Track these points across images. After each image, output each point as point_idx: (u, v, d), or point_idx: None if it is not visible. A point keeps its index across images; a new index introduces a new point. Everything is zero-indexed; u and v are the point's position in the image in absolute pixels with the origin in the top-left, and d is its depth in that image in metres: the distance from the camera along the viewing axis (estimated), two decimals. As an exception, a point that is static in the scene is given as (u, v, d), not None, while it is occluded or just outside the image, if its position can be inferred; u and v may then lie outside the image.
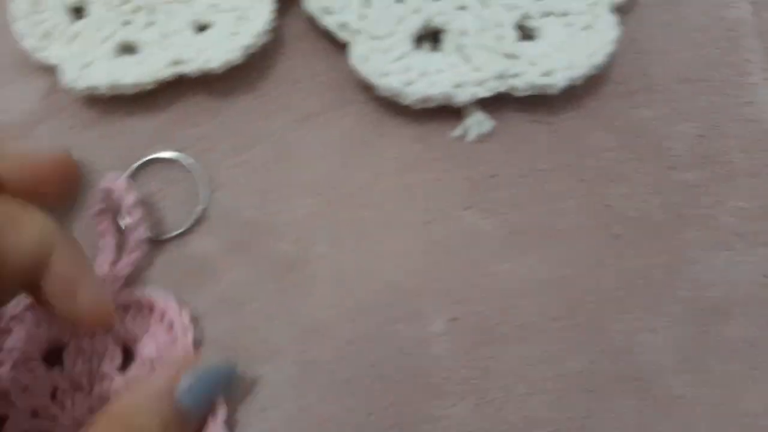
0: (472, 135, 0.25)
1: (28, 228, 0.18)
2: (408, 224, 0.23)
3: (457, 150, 0.24)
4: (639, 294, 0.22)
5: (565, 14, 0.25)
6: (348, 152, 0.24)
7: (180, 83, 0.24)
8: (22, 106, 0.24)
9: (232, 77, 0.24)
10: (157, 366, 0.20)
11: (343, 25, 0.25)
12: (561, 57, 0.24)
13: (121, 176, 0.22)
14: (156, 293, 0.21)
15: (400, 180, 0.24)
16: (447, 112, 0.25)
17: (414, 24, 0.25)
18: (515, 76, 0.24)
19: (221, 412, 0.19)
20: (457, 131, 0.25)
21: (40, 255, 0.18)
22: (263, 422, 0.20)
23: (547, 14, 0.25)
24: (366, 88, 0.25)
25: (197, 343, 0.21)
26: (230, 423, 0.20)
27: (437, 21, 0.25)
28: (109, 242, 0.21)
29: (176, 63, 0.23)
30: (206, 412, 0.19)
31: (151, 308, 0.21)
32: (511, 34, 0.25)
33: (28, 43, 0.24)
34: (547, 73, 0.24)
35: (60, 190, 0.22)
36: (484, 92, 0.24)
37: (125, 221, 0.21)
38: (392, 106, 0.25)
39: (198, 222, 0.23)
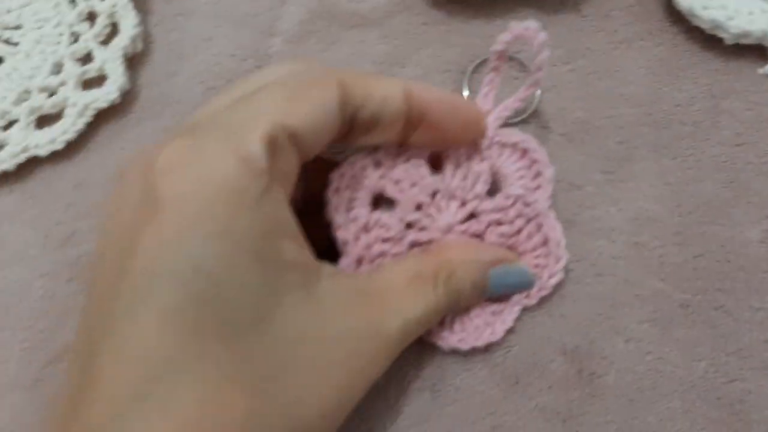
0: (778, 74, 0.27)
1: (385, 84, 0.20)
2: (721, 143, 0.25)
3: (765, 86, 0.26)
4: None
5: None
6: (664, 75, 0.26)
7: (517, -2, 0.27)
8: (377, 0, 0.28)
9: (559, -2, 0.27)
10: (519, 202, 0.23)
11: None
12: None
13: (536, 25, 0.22)
14: (531, 141, 0.23)
15: (715, 105, 0.26)
16: (751, 51, 0.27)
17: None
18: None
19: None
20: (766, 68, 0.27)
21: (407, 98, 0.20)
22: (599, 285, 0.23)
23: None
24: (675, 22, 0.27)
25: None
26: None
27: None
28: (495, 80, 0.23)
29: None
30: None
31: (524, 153, 0.23)
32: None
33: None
34: None
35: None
36: (796, 36, 0.26)
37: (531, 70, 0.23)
38: (700, 40, 0.27)
39: (533, 114, 0.26)
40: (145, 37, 0.28)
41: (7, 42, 0.28)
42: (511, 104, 0.23)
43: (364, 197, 0.22)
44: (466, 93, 0.26)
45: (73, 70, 0.27)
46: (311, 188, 0.21)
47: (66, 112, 0.26)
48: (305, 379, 0.17)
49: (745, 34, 0.26)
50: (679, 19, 0.27)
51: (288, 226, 0.18)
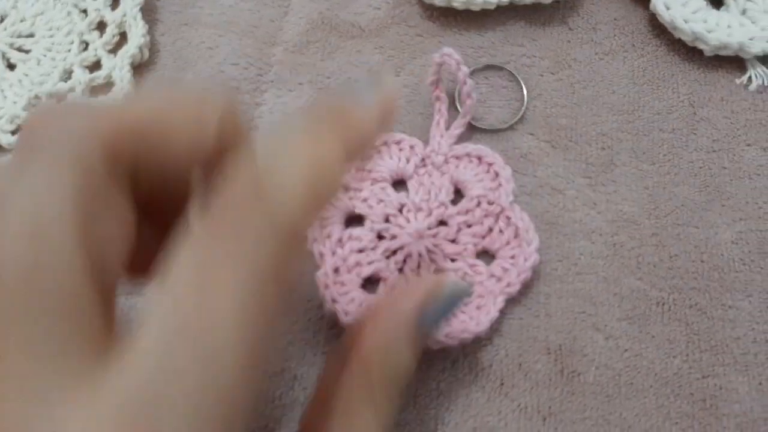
0: (754, 85, 0.28)
1: None
2: (698, 149, 0.26)
3: (740, 96, 0.28)
4: None
5: None
6: (646, 84, 0.28)
7: (509, 9, 0.29)
8: (375, 13, 0.29)
9: (548, 11, 0.29)
10: (483, 202, 0.24)
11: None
12: None
13: (453, 51, 0.25)
14: (483, 149, 0.25)
15: (693, 113, 0.27)
16: (729, 63, 0.28)
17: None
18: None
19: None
20: (743, 79, 0.28)
21: None
22: (580, 283, 0.24)
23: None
24: (658, 35, 0.29)
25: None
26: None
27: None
28: (442, 108, 0.26)
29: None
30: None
31: (479, 159, 0.25)
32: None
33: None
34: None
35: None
36: (772, 49, 0.28)
37: (459, 90, 0.26)
38: (681, 52, 0.28)
39: (519, 121, 0.27)
40: (152, 45, 0.29)
41: (20, 49, 0.29)
42: (458, 123, 0.26)
43: (336, 216, 0.24)
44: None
45: (82, 77, 0.28)
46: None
47: (76, 117, 0.27)
48: None
49: (724, 46, 0.28)
50: (662, 32, 0.29)
51: None
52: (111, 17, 0.29)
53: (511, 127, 0.27)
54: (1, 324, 0.12)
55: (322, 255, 0.24)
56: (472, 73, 0.28)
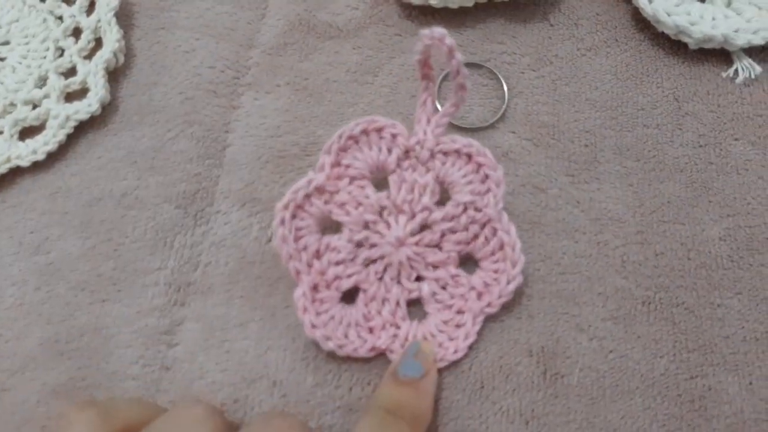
0: (741, 78, 0.27)
1: None
2: (683, 145, 0.26)
3: (727, 89, 0.27)
4: None
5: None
6: (629, 80, 0.27)
7: (489, 7, 0.28)
8: (353, 13, 0.29)
9: (528, 8, 0.28)
10: (469, 209, 0.23)
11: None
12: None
13: (447, 34, 0.21)
14: (474, 144, 0.23)
15: (678, 108, 0.27)
16: (714, 56, 0.27)
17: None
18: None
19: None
20: (729, 72, 0.27)
21: None
22: (564, 283, 0.23)
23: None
24: (642, 29, 0.28)
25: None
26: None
27: (721, -26, 0.28)
28: (430, 87, 0.23)
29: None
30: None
31: (469, 157, 0.23)
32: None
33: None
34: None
35: None
36: (758, 40, 0.27)
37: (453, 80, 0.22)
38: (665, 46, 0.28)
39: (500, 119, 0.26)
40: (128, 50, 0.29)
41: (-5, 57, 0.29)
42: (447, 111, 0.23)
43: (311, 225, 0.23)
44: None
45: (56, 84, 0.28)
46: None
47: (48, 124, 0.27)
48: None
49: (708, 39, 0.27)
50: (645, 26, 0.28)
51: None
52: (86, 23, 0.29)
53: (492, 126, 0.26)
54: None
55: (298, 272, 0.22)
56: (449, 74, 0.27)
